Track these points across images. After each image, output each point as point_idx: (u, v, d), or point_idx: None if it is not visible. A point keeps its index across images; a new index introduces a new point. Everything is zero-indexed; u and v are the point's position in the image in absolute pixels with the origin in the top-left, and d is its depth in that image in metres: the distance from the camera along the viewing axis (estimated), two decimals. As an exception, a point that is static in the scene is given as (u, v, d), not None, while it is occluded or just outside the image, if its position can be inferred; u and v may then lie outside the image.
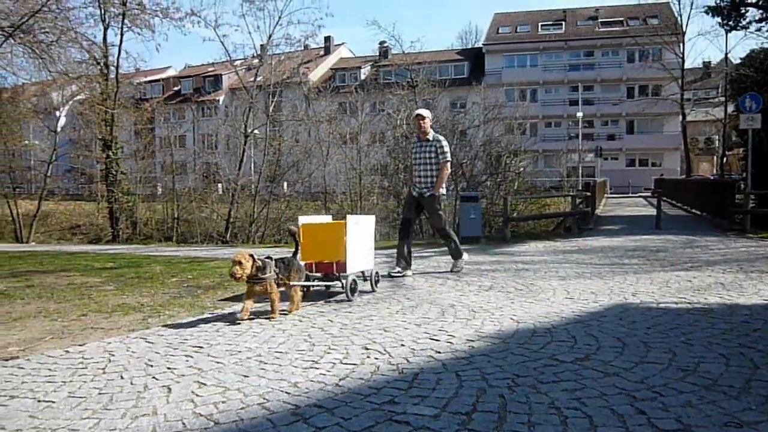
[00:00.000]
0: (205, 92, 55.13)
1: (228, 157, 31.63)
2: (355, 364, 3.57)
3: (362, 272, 6.22)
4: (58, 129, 32.07)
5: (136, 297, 6.10)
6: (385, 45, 49.58)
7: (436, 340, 4.11)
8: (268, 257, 4.96)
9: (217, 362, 3.69)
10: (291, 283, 5.17)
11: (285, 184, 30.44)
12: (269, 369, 3.52)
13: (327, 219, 6.83)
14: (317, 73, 53.95)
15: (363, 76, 50.43)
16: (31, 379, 3.41)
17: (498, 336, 4.20)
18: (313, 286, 6.01)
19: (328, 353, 3.84)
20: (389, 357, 3.71)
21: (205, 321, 4.90)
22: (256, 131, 27.24)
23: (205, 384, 3.26)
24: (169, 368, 3.57)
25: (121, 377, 3.41)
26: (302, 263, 5.51)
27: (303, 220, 6.10)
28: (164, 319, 5.00)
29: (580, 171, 43.87)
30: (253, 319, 4.88)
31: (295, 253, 5.45)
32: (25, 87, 28.86)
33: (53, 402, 3.02)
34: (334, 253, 5.82)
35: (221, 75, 53.41)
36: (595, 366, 3.44)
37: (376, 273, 6.33)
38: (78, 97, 31.72)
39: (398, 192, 21.71)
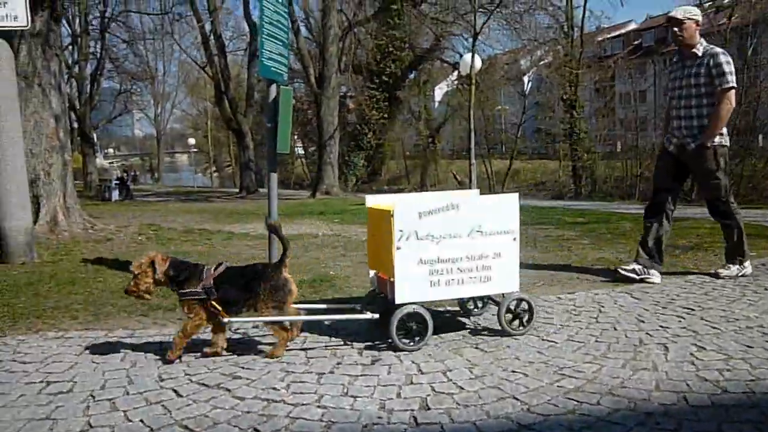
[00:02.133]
0: (668, 43, 52.03)
1: (694, 109, 29.34)
2: None
3: (488, 299, 3.76)
4: (527, 93, 34.61)
5: (613, 252, 6.19)
6: None
7: None
8: (221, 264, 3.15)
9: (713, 327, 3.48)
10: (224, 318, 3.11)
11: (760, 136, 26.77)
12: (778, 343, 3.15)
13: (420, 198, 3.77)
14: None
15: None
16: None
17: None
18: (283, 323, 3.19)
19: None
20: None
21: (691, 283, 4.67)
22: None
23: (704, 348, 3.11)
24: (661, 326, 3.53)
25: (614, 328, 3.52)
26: (290, 281, 3.16)
27: (371, 201, 3.72)
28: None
29: None
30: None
31: (280, 262, 3.17)
32: (497, 57, 31.90)
33: (556, 342, 3.30)
34: (386, 261, 3.36)
35: (687, 21, 49.44)
36: None
37: (521, 302, 3.47)
38: (543, 62, 33.57)
39: None
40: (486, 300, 3.79)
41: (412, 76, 32.20)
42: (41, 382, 2.85)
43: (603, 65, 31.29)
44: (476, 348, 3.24)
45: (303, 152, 39.65)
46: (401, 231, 3.19)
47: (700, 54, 4.70)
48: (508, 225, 3.38)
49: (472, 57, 13.07)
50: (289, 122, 4.50)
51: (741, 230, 4.79)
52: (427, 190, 33.59)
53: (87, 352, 3.26)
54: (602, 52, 39.48)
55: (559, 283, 4.82)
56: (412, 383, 2.75)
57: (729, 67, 4.57)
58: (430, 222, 3.24)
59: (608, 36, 42.68)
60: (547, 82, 33.65)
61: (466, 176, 22.62)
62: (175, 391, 2.70)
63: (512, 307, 3.46)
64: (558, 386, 2.67)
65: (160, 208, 16.65)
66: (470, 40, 17.25)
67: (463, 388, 2.67)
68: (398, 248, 3.19)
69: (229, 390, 2.71)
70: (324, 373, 2.89)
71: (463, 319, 3.81)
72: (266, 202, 4.57)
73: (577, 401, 2.50)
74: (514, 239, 3.39)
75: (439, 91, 44.71)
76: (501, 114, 40.16)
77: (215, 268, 3.12)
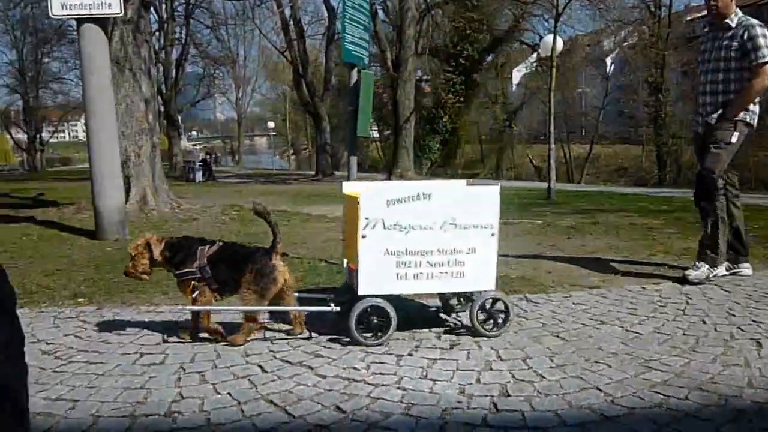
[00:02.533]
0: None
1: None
2: None
3: (458, 297, 3.55)
4: (609, 75, 33.43)
5: (701, 243, 5.93)
6: None
7: None
8: (215, 241, 3.18)
9: (812, 324, 3.30)
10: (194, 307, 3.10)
11: None
12: None
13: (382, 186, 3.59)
14: None
15: None
16: (615, 309, 3.70)
17: None
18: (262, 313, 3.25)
19: None
20: None
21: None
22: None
23: (801, 346, 2.95)
24: (753, 321, 3.37)
25: (703, 322, 3.39)
26: (279, 268, 3.07)
27: (347, 188, 3.54)
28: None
29: None
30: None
31: (272, 247, 3.06)
32: (579, 38, 30.90)
33: (640, 334, 3.21)
34: (354, 251, 3.16)
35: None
36: None
37: (496, 301, 3.22)
38: (627, 43, 32.27)
39: None
40: (468, 296, 3.43)
41: (489, 58, 31.65)
42: (135, 353, 3.01)
43: (692, 46, 29.73)
44: (557, 337, 3.19)
45: (378, 135, 39.80)
46: (367, 219, 2.98)
47: (733, 25, 4.22)
48: (485, 219, 3.08)
49: (554, 38, 12.68)
50: (369, 106, 4.53)
51: (717, 223, 4.25)
52: (502, 175, 33.15)
53: (177, 326, 3.42)
54: (691, 32, 37.53)
55: (644, 273, 4.66)
56: (491, 369, 2.74)
57: (765, 41, 4.09)
58: (398, 211, 3.00)
59: (698, 15, 40.55)
60: (631, 64, 32.32)
61: (543, 161, 22.14)
62: (260, 367, 2.80)
63: (486, 307, 3.20)
64: (644, 379, 2.60)
65: (241, 189, 17.17)
66: (551, 21, 16.76)
67: (543, 377, 2.64)
68: (363, 236, 2.99)
69: (311, 368, 2.78)
70: (403, 356, 2.92)
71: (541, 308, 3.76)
72: (341, 184, 4.63)
73: (664, 395, 2.43)
74: (492, 234, 3.10)
75: (517, 74, 43.81)
76: (582, 97, 38.98)
77: (209, 247, 3.10)
